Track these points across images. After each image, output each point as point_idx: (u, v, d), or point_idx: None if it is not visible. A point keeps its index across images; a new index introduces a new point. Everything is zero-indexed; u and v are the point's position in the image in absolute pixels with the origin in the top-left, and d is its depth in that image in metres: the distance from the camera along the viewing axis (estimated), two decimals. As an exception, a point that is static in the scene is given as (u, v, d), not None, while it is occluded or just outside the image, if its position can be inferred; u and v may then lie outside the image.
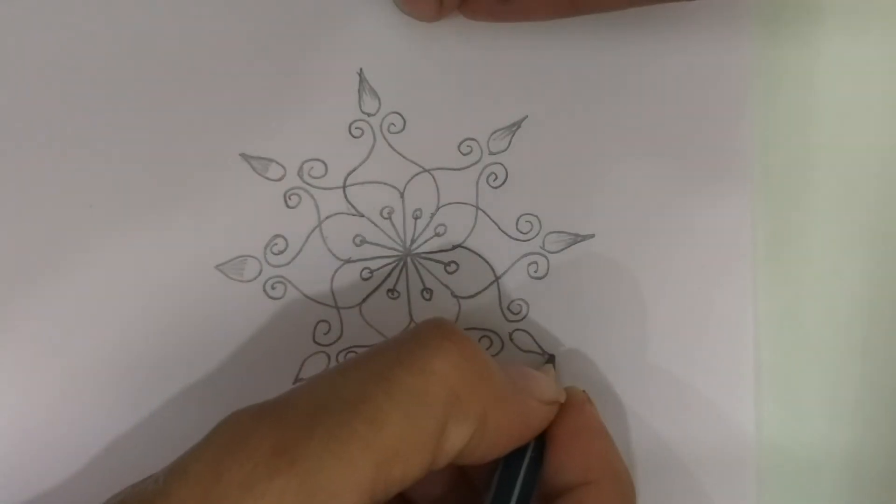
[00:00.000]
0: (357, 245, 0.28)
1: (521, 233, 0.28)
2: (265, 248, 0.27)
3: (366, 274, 0.28)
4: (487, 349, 0.28)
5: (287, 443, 0.19)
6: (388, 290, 0.28)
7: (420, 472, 0.20)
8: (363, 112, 0.28)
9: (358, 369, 0.21)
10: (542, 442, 0.24)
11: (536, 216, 0.28)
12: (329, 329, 0.28)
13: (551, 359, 0.28)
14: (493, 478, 0.24)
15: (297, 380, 0.27)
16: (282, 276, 0.27)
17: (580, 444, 0.24)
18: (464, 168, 0.28)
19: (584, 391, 0.26)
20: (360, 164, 0.28)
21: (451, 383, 0.21)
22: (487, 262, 0.28)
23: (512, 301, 0.28)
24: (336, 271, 0.28)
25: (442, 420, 0.21)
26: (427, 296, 0.28)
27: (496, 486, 0.23)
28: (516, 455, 0.24)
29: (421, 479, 0.21)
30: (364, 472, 0.19)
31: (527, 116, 0.28)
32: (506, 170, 0.28)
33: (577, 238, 0.28)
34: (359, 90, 0.28)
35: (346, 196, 0.28)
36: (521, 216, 0.28)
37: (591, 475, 0.24)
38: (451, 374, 0.21)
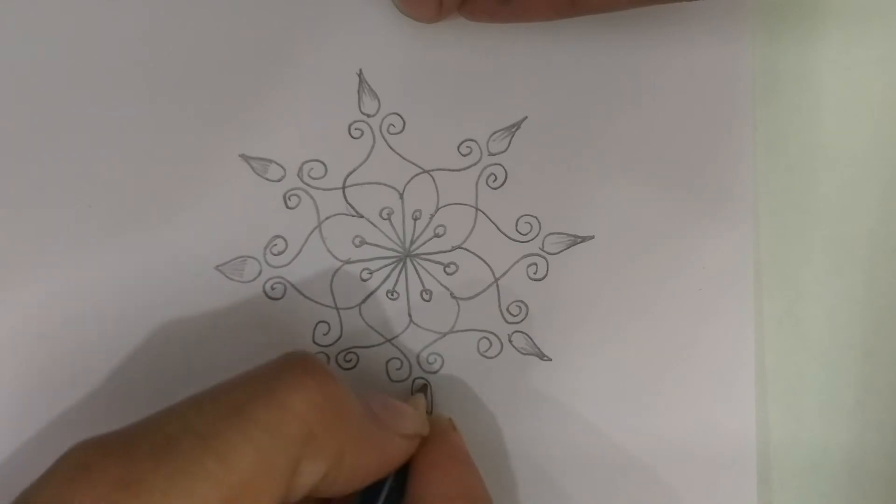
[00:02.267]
0: (357, 246, 0.28)
1: (521, 234, 0.28)
2: (265, 249, 0.27)
3: (365, 275, 0.28)
4: (486, 350, 0.28)
5: (132, 476, 0.18)
6: (388, 291, 0.28)
7: None
8: (363, 113, 0.28)
9: (213, 402, 0.21)
10: (403, 472, 0.24)
11: (536, 217, 0.28)
12: (329, 330, 0.28)
13: (424, 388, 0.28)
14: None
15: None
16: (281, 277, 0.27)
17: (440, 472, 0.24)
18: (463, 169, 0.28)
19: (450, 419, 0.26)
20: (360, 165, 0.28)
21: (308, 421, 0.21)
22: (487, 264, 0.28)
23: (511, 302, 0.28)
24: (335, 272, 0.28)
25: (295, 457, 0.20)
26: (426, 297, 0.28)
27: None
28: (376, 487, 0.24)
29: None
30: None
31: (526, 117, 0.28)
32: (505, 171, 0.28)
33: (577, 239, 0.28)
34: (358, 91, 0.28)
35: (345, 197, 0.28)
36: (520, 217, 0.28)
37: (450, 502, 0.24)
38: (308, 412, 0.21)
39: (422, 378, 0.28)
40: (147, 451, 0.19)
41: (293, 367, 0.22)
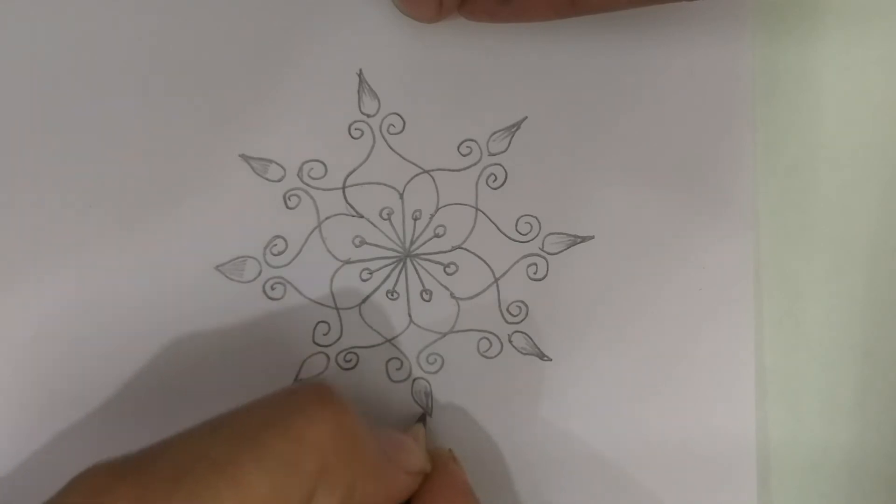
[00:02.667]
0: (356, 246, 0.28)
1: (521, 234, 0.28)
2: (265, 249, 0.27)
3: (365, 275, 0.28)
4: (486, 350, 0.28)
5: (147, 500, 0.18)
6: (388, 292, 0.28)
7: None
8: (363, 113, 0.28)
9: (229, 428, 0.21)
10: None
11: (536, 217, 0.28)
12: (329, 330, 0.28)
13: (423, 418, 0.28)
14: None
15: (296, 380, 0.27)
16: (281, 277, 0.27)
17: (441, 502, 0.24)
18: (463, 169, 0.28)
19: (450, 450, 0.26)
20: (360, 165, 0.28)
21: (324, 454, 0.21)
22: (487, 264, 0.28)
23: (511, 302, 0.28)
24: (335, 272, 0.28)
25: (310, 489, 0.20)
26: (426, 297, 0.28)
27: None
28: None
29: None
30: None
31: (526, 117, 0.28)
32: (505, 171, 0.28)
33: (577, 239, 0.28)
34: (358, 91, 0.28)
35: (345, 197, 0.28)
36: (520, 217, 0.28)
37: None
38: (325, 445, 0.21)
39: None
40: (161, 477, 0.19)
41: (310, 396, 0.22)
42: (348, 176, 0.28)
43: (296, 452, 0.20)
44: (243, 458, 0.20)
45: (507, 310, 0.28)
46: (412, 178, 0.28)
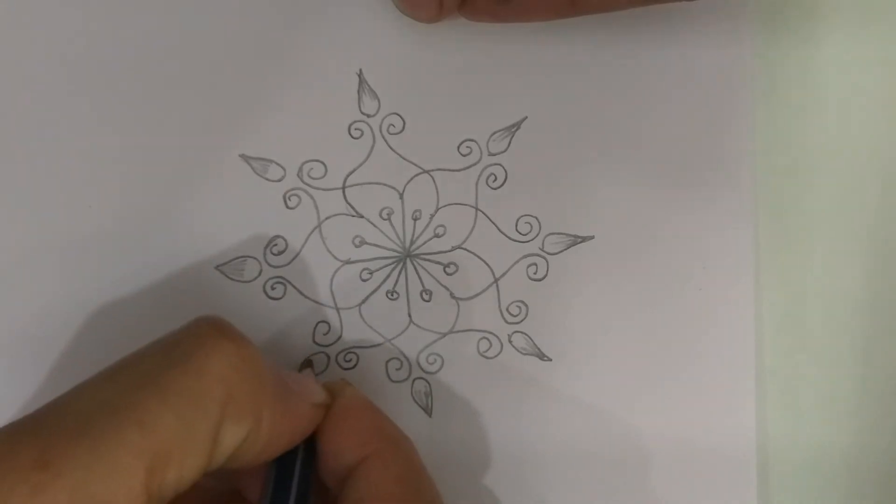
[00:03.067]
0: (356, 246, 0.28)
1: (521, 234, 0.28)
2: (265, 249, 0.27)
3: (365, 275, 0.28)
4: (486, 350, 0.28)
5: (51, 455, 0.18)
6: (388, 292, 0.28)
7: (195, 473, 0.20)
8: (363, 113, 0.28)
9: (128, 373, 0.20)
10: (312, 444, 0.24)
11: (536, 217, 0.28)
12: (329, 329, 0.28)
13: (308, 363, 0.27)
14: (266, 485, 0.23)
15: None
16: (281, 277, 0.27)
17: (348, 424, 0.24)
18: (463, 169, 0.28)
19: (342, 379, 0.26)
20: (360, 165, 0.28)
21: (227, 384, 0.20)
22: (487, 264, 0.28)
23: (511, 302, 0.28)
24: (335, 272, 0.28)
25: (217, 421, 0.20)
26: (426, 297, 0.28)
27: (272, 491, 0.23)
28: (288, 458, 0.23)
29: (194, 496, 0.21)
30: (136, 476, 0.18)
31: (526, 117, 0.28)
32: (505, 171, 0.28)
33: (577, 239, 0.28)
34: (358, 91, 0.28)
35: (345, 197, 0.28)
36: (520, 217, 0.28)
37: (368, 448, 0.23)
38: (228, 375, 0.20)
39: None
40: (64, 428, 0.19)
41: (208, 329, 0.21)
42: (348, 176, 0.28)
43: (199, 386, 0.20)
44: (146, 399, 0.19)
45: (507, 310, 0.28)
46: (412, 178, 0.28)
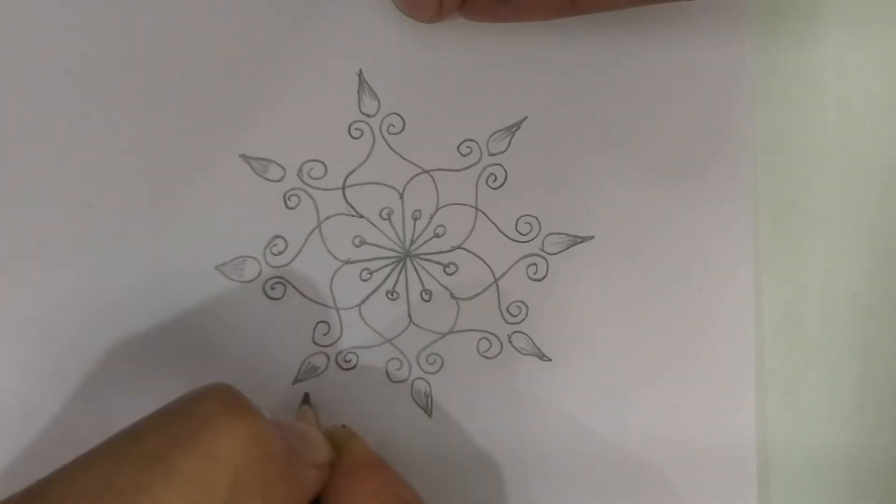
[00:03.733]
0: (356, 246, 0.28)
1: (521, 234, 0.28)
2: (265, 249, 0.27)
3: (365, 275, 0.28)
4: (486, 351, 0.28)
5: None
6: (388, 292, 0.28)
7: None
8: (363, 113, 0.28)
9: (133, 452, 0.19)
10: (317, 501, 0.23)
11: (536, 217, 0.28)
12: (328, 330, 0.28)
13: (306, 399, 0.27)
14: None
15: (296, 381, 0.27)
16: (281, 277, 0.27)
17: (357, 486, 0.23)
18: (463, 169, 0.28)
19: (344, 426, 0.25)
20: (360, 165, 0.28)
21: (236, 467, 0.20)
22: (487, 264, 0.28)
23: (511, 302, 0.28)
24: (335, 272, 0.28)
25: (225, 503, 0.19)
26: (426, 297, 0.28)
27: None
28: None
29: None
30: None
31: (526, 117, 0.28)
32: (505, 171, 0.28)
33: (577, 240, 0.28)
34: (358, 91, 0.28)
35: (345, 197, 0.28)
36: (520, 217, 0.28)
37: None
38: (237, 457, 0.20)
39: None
40: None
41: (215, 405, 0.20)
42: (348, 176, 0.28)
43: (207, 469, 0.19)
44: (152, 482, 0.19)
45: (507, 310, 0.28)
46: (412, 178, 0.28)
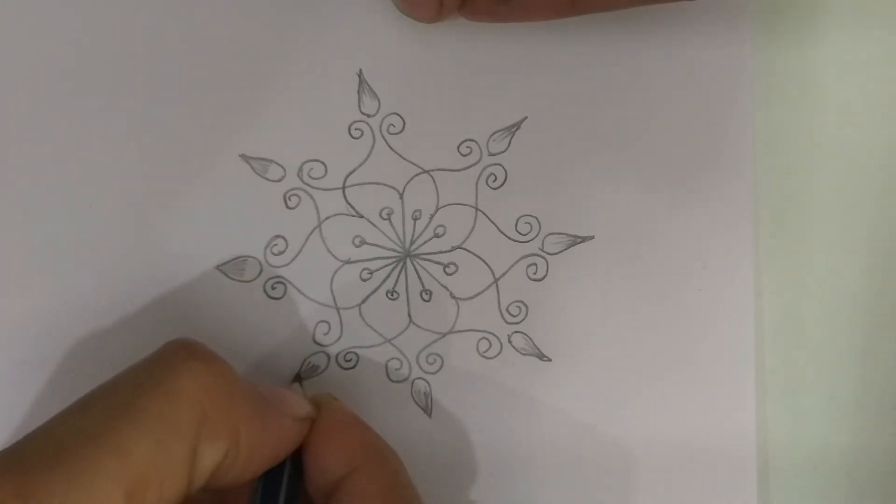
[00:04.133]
0: (356, 246, 0.28)
1: (521, 234, 0.28)
2: (265, 249, 0.27)
3: (365, 275, 0.28)
4: (486, 351, 0.28)
5: (30, 486, 0.18)
6: (388, 292, 0.28)
7: (176, 495, 0.20)
8: (363, 113, 0.28)
9: (102, 400, 0.20)
10: (298, 458, 0.24)
11: (536, 217, 0.28)
12: (329, 329, 0.28)
13: (298, 378, 0.27)
14: (253, 501, 0.23)
15: (296, 378, 0.27)
16: (282, 277, 0.27)
17: (334, 438, 0.24)
18: (463, 169, 0.28)
19: (329, 393, 0.26)
20: (360, 165, 0.28)
21: (200, 403, 0.20)
22: (486, 264, 0.28)
23: (511, 303, 0.28)
24: (336, 272, 0.28)
25: (193, 442, 0.20)
26: (426, 297, 0.28)
27: None
28: (274, 473, 0.23)
29: None
30: (115, 502, 0.19)
31: (526, 117, 0.28)
32: (505, 171, 0.28)
33: (577, 240, 0.28)
34: (358, 91, 0.28)
35: (345, 197, 0.28)
36: (520, 217, 0.28)
37: (354, 462, 0.23)
38: (200, 394, 0.21)
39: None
40: (40, 461, 0.19)
41: (178, 351, 0.22)
42: (348, 176, 0.28)
43: (171, 407, 0.20)
44: (120, 424, 0.19)
45: (507, 310, 0.28)
46: (412, 178, 0.28)
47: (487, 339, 0.28)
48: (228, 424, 0.21)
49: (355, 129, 0.28)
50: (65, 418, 0.20)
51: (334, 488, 0.23)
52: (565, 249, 0.28)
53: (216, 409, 0.21)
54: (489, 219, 0.28)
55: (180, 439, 0.20)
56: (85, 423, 0.20)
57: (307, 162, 0.27)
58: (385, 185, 0.28)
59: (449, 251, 0.28)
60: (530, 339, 0.28)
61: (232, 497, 0.24)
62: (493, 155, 0.28)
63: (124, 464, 0.19)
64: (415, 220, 0.28)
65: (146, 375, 0.21)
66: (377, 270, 0.28)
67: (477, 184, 0.28)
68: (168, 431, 0.20)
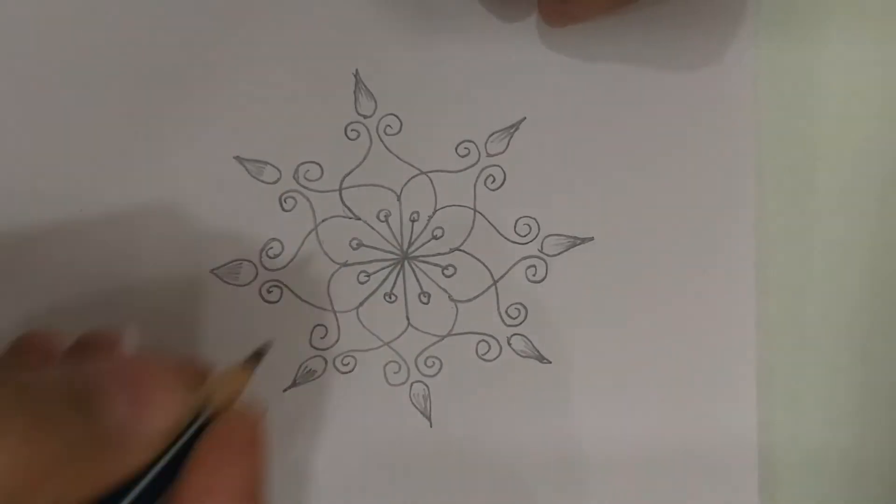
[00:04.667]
0: (354, 248, 0.28)
1: (520, 235, 0.28)
2: (261, 252, 0.27)
3: (363, 277, 0.28)
4: (485, 353, 0.28)
5: None
6: (386, 294, 0.28)
7: None
8: (359, 114, 0.27)
9: None
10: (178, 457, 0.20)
11: (535, 219, 0.28)
12: (326, 333, 0.27)
13: (258, 353, 0.23)
14: None
15: (293, 384, 0.27)
16: (278, 280, 0.27)
17: (215, 465, 0.20)
18: (461, 170, 0.28)
19: (247, 362, 0.22)
20: (357, 167, 0.27)
21: (9, 487, 0.17)
22: (485, 266, 0.28)
23: (510, 305, 0.28)
24: (332, 275, 0.27)
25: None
26: (424, 299, 0.28)
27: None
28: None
29: None
30: None
31: (525, 118, 0.28)
32: (504, 172, 0.28)
33: (576, 241, 0.28)
34: (355, 92, 0.27)
35: (342, 199, 0.27)
36: (519, 219, 0.28)
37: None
38: (8, 478, 0.17)
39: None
40: None
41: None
42: (345, 177, 0.27)
43: None
44: None
45: (506, 312, 0.28)
46: (410, 180, 0.28)
47: (486, 342, 0.28)
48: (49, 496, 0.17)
49: (352, 130, 0.27)
50: None
51: None
52: (565, 251, 0.28)
53: (33, 485, 0.17)
54: (488, 220, 0.28)
55: None
56: None
57: (303, 164, 0.27)
58: (382, 186, 0.28)
59: (447, 253, 0.28)
60: (530, 341, 0.28)
61: None
62: (492, 156, 0.28)
63: None
64: (413, 221, 0.28)
65: None
66: (375, 273, 0.28)
67: (475, 185, 0.28)
68: None
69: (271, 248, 0.27)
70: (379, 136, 0.27)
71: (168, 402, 0.19)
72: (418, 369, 0.28)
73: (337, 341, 0.27)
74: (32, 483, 0.17)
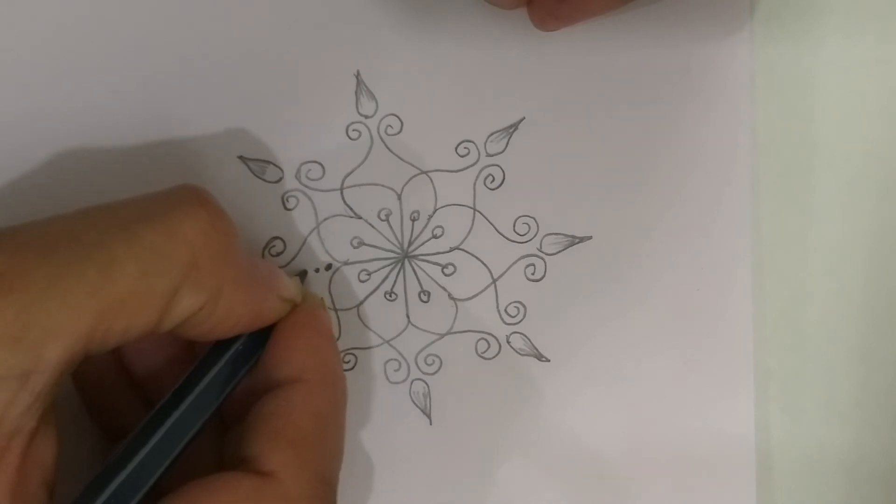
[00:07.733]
0: (355, 247, 0.28)
1: (519, 234, 0.28)
2: (263, 250, 0.27)
3: (363, 276, 0.28)
4: (485, 352, 0.28)
5: (8, 268, 0.18)
6: (386, 293, 0.28)
7: (143, 330, 0.20)
8: (360, 114, 0.28)
9: (102, 215, 0.20)
10: (263, 336, 0.24)
11: (534, 218, 0.28)
12: (327, 331, 0.28)
13: (303, 274, 0.27)
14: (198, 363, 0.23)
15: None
16: (280, 278, 0.27)
17: (301, 342, 0.24)
18: (461, 170, 0.28)
19: (322, 298, 0.26)
20: (358, 166, 0.28)
21: (195, 249, 0.20)
22: (485, 264, 0.28)
23: (509, 303, 0.28)
24: (334, 273, 0.28)
25: (177, 283, 0.20)
26: (424, 298, 0.28)
27: (195, 367, 0.23)
28: (227, 343, 0.23)
29: (145, 347, 0.21)
30: (86, 317, 0.18)
31: (524, 118, 0.28)
32: (503, 171, 0.28)
33: (575, 240, 0.28)
34: (356, 92, 0.28)
35: (343, 198, 0.28)
36: (518, 218, 0.28)
37: (305, 374, 0.23)
38: (197, 241, 0.20)
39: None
40: (28, 249, 0.19)
41: (188, 195, 0.21)
42: (346, 177, 0.28)
43: (166, 244, 0.20)
44: (114, 243, 0.19)
45: (506, 310, 0.28)
46: (410, 179, 0.28)
47: (486, 340, 0.28)
48: (214, 279, 0.21)
49: (353, 130, 0.28)
50: (62, 221, 0.20)
51: (277, 385, 0.23)
52: (563, 250, 0.28)
53: (207, 260, 0.21)
54: (487, 219, 0.28)
55: (165, 276, 0.20)
56: (79, 231, 0.19)
57: (305, 163, 0.27)
58: (383, 185, 0.28)
59: (447, 252, 0.28)
60: (529, 339, 0.28)
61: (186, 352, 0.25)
62: (491, 156, 0.28)
63: (106, 283, 0.19)
64: (413, 220, 0.28)
65: (152, 207, 0.21)
66: (375, 271, 0.28)
67: (475, 184, 0.28)
68: (156, 265, 0.20)
69: (274, 246, 0.27)
70: (380, 135, 0.28)
71: (290, 280, 0.25)
72: (418, 367, 0.28)
73: (337, 339, 0.28)
74: (206, 261, 0.21)
